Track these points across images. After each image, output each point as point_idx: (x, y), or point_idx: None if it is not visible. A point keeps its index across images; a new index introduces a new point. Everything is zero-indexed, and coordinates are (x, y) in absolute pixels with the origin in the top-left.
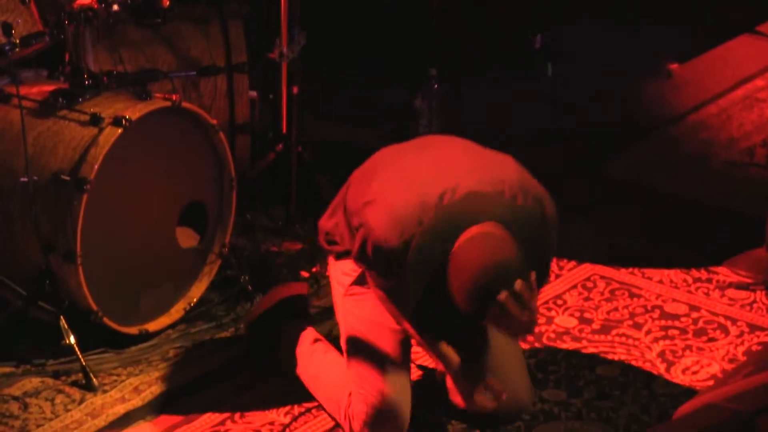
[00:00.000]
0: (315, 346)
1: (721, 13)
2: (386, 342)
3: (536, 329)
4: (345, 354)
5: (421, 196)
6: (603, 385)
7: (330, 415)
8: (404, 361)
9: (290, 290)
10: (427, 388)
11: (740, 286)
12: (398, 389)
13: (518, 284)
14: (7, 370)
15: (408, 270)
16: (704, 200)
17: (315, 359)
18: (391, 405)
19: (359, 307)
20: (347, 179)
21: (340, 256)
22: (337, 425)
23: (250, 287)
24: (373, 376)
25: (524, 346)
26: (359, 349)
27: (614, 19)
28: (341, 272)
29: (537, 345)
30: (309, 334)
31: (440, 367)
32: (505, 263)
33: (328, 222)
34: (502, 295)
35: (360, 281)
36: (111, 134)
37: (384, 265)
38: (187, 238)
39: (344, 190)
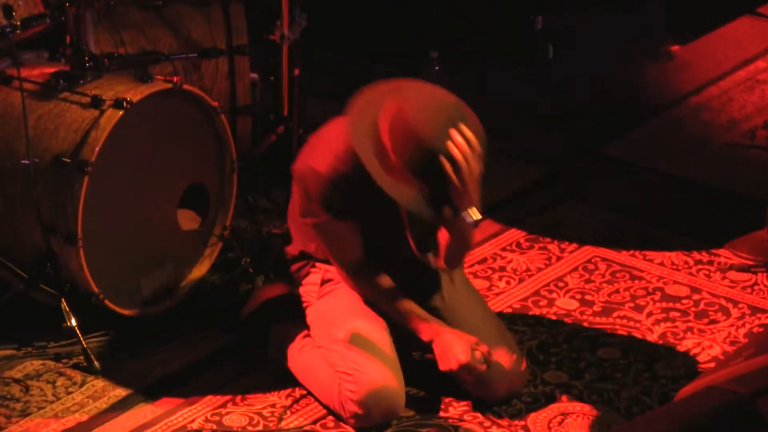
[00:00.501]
0: (305, 341)
1: None
2: (368, 322)
3: (538, 311)
4: (330, 346)
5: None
6: (604, 367)
7: (324, 406)
8: (391, 340)
9: (276, 290)
10: (428, 367)
11: (741, 268)
12: (387, 368)
13: (462, 127)
14: (9, 352)
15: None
16: (705, 182)
17: (305, 353)
18: (381, 384)
19: (335, 300)
20: None
21: (301, 270)
22: (331, 413)
23: (251, 269)
24: (361, 356)
25: (524, 330)
26: (343, 336)
27: (616, 0)
28: (310, 286)
29: (538, 327)
30: (298, 330)
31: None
32: (444, 99)
33: (288, 248)
34: (450, 142)
35: (332, 276)
36: (112, 116)
37: (330, 198)
38: (188, 220)
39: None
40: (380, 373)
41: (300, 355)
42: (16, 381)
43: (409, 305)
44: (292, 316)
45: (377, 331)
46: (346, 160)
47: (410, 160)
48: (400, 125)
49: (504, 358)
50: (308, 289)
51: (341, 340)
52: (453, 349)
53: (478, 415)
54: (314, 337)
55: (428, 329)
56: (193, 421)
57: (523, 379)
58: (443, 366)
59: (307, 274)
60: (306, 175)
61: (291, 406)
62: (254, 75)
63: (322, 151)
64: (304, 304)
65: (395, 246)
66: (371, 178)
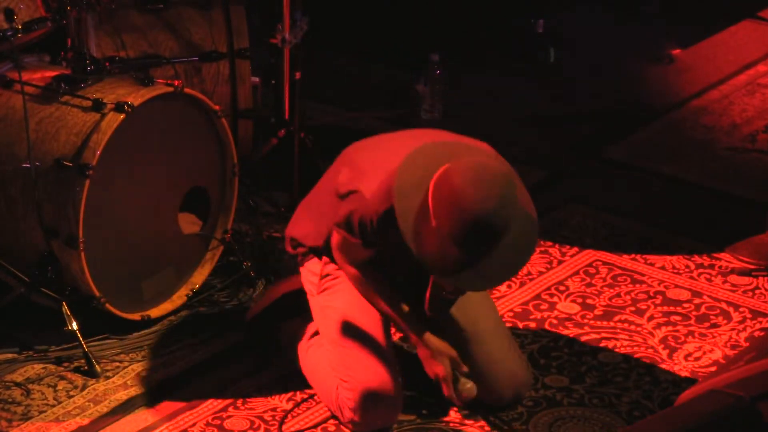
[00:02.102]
0: (312, 340)
1: None
2: (367, 324)
3: (539, 315)
4: (328, 347)
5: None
6: (605, 371)
7: (328, 408)
8: (388, 341)
9: (289, 285)
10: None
11: (742, 272)
12: (384, 371)
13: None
14: (10, 356)
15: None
16: (706, 185)
17: (311, 353)
18: (377, 389)
19: (334, 297)
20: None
21: (305, 256)
22: (333, 416)
23: (252, 273)
24: (356, 361)
25: (526, 329)
26: (340, 337)
27: (616, 4)
28: (310, 273)
29: (539, 331)
30: (307, 328)
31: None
32: (496, 171)
33: (292, 229)
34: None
35: (330, 270)
36: (113, 120)
37: (369, 230)
38: (189, 223)
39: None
40: (376, 379)
41: (307, 356)
42: (18, 384)
43: (403, 307)
44: (300, 312)
45: (375, 331)
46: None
47: (450, 227)
48: (446, 190)
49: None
50: (308, 276)
51: (338, 342)
52: (433, 360)
53: (480, 419)
54: (318, 329)
55: (415, 334)
56: (194, 424)
57: (528, 386)
58: (428, 371)
59: (309, 259)
60: (360, 200)
61: (292, 410)
62: (255, 78)
63: (380, 184)
64: (305, 290)
65: (412, 292)
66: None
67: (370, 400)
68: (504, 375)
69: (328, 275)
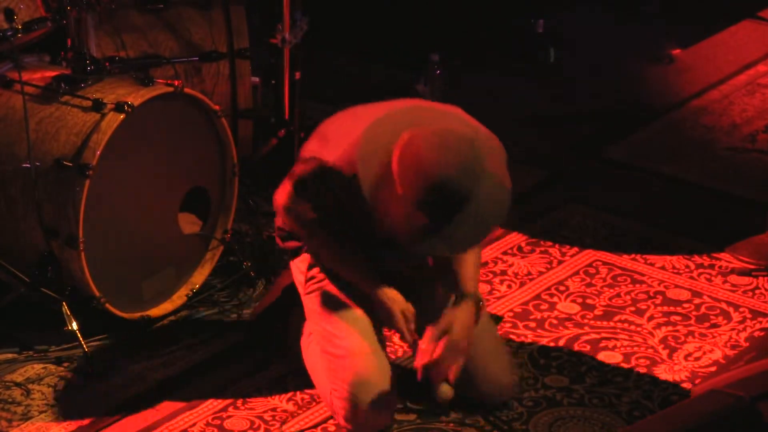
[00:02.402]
0: (311, 338)
1: None
2: (355, 330)
3: (539, 315)
4: (319, 354)
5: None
6: (605, 371)
7: (327, 407)
8: (378, 346)
9: (286, 279)
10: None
11: (742, 272)
12: (374, 378)
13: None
14: (10, 356)
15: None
16: (706, 185)
17: (310, 351)
18: (367, 397)
19: (319, 302)
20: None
21: (295, 253)
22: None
23: (252, 273)
24: (345, 370)
25: (527, 334)
26: (328, 345)
27: (616, 3)
28: (298, 272)
29: (539, 331)
30: (306, 324)
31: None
32: (461, 135)
33: (276, 219)
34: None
35: (312, 267)
36: (113, 120)
37: (324, 196)
38: (189, 223)
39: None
40: (365, 390)
41: (307, 353)
42: (18, 384)
43: (364, 264)
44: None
45: (364, 335)
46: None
47: (414, 193)
48: (410, 156)
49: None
50: (296, 274)
51: (326, 350)
52: (389, 310)
53: (479, 419)
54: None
55: (370, 287)
56: (194, 425)
57: (510, 390)
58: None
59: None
60: (321, 165)
61: (294, 413)
62: (255, 78)
63: (343, 152)
64: (296, 283)
65: (378, 258)
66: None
67: (359, 410)
68: (488, 377)
69: (312, 278)
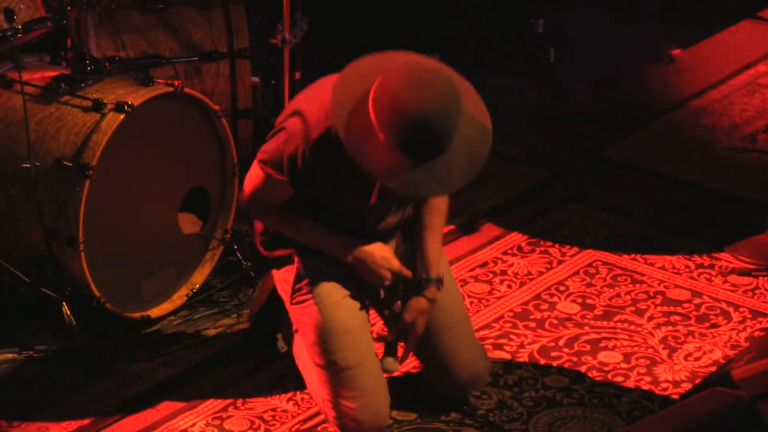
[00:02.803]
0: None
1: None
2: (346, 340)
3: (539, 315)
4: (311, 365)
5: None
6: (605, 371)
7: (318, 405)
8: (372, 353)
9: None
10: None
11: (742, 272)
12: (369, 391)
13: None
14: (10, 356)
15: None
16: (706, 186)
17: (302, 351)
18: (363, 413)
19: (306, 314)
20: None
21: (282, 263)
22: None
23: (252, 273)
24: (339, 385)
25: (528, 333)
26: (320, 358)
27: (616, 3)
28: (285, 282)
29: (539, 331)
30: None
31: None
32: (433, 70)
33: (256, 224)
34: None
35: (300, 280)
36: (113, 120)
37: (300, 162)
38: (189, 223)
39: None
40: (363, 405)
41: (298, 352)
42: (17, 384)
43: (323, 229)
44: None
45: (356, 341)
46: (325, 135)
47: (395, 134)
48: (384, 98)
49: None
50: (281, 283)
51: (320, 363)
52: (377, 262)
53: (479, 419)
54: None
55: (348, 252)
56: (194, 425)
57: (485, 375)
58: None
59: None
60: (289, 132)
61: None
62: (255, 78)
63: (313, 112)
64: (279, 292)
65: (356, 220)
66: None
67: (355, 424)
68: (463, 365)
69: (300, 290)
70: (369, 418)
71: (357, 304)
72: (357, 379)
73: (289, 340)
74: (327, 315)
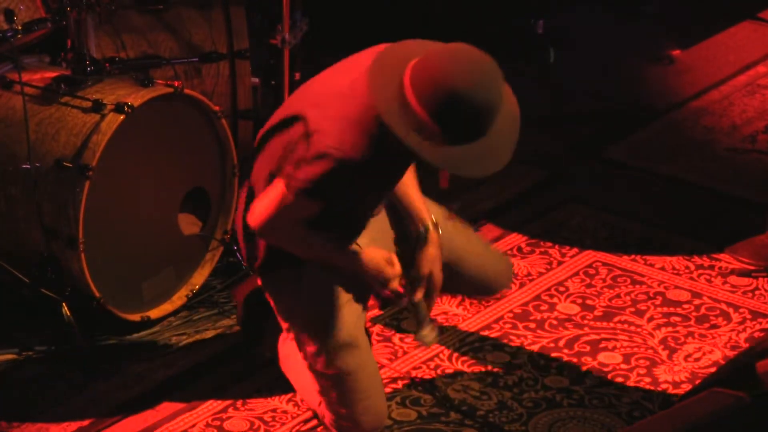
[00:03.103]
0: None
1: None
2: (345, 348)
3: (539, 316)
4: (306, 370)
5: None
6: (605, 372)
7: (309, 407)
8: (371, 357)
9: (247, 287)
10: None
11: (742, 273)
12: (371, 395)
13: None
14: (10, 356)
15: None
16: (706, 186)
17: (291, 352)
18: (366, 417)
19: (306, 323)
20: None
21: (280, 280)
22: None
23: (252, 274)
24: (341, 393)
25: (527, 333)
26: (319, 364)
27: (616, 4)
28: (282, 295)
29: (539, 332)
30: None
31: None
32: (467, 47)
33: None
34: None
35: (299, 292)
36: (113, 121)
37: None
38: (189, 224)
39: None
40: (365, 411)
41: (286, 354)
42: (17, 385)
43: (334, 242)
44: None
45: (354, 351)
46: (367, 139)
47: (434, 108)
48: (423, 72)
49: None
50: (282, 296)
51: (320, 372)
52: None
53: (479, 420)
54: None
55: (353, 261)
56: (194, 425)
57: (512, 273)
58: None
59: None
60: (324, 144)
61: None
62: (255, 79)
63: (341, 125)
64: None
65: (363, 215)
66: (381, 154)
67: (355, 426)
68: (494, 273)
69: (301, 301)
70: (370, 419)
71: (357, 309)
72: (359, 382)
73: (273, 348)
74: (329, 323)
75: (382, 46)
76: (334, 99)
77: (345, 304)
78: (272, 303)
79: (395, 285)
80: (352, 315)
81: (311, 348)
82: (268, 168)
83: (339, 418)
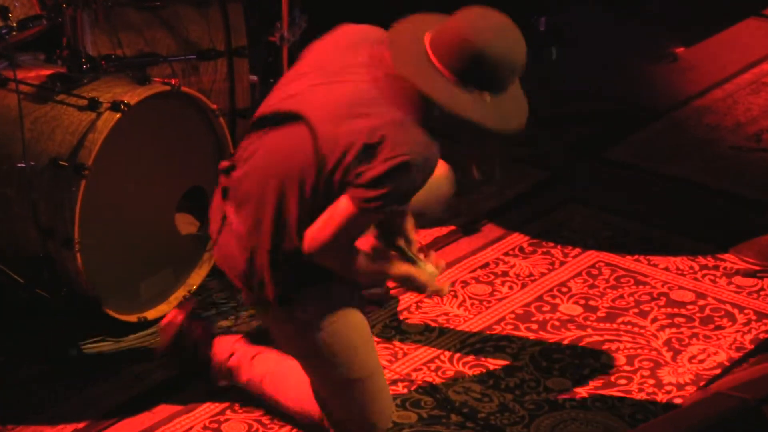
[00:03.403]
0: (250, 349)
1: None
2: (358, 355)
3: (541, 316)
4: (315, 380)
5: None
6: (608, 373)
7: (298, 418)
8: (377, 360)
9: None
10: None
11: (747, 274)
12: (382, 392)
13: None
14: (7, 357)
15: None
16: (710, 186)
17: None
18: (376, 416)
19: (317, 338)
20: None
21: (304, 299)
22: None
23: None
24: (350, 395)
25: (529, 334)
26: (332, 373)
27: (618, 2)
28: (290, 319)
29: (541, 333)
30: (234, 342)
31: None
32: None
33: (242, 258)
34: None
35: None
36: (109, 119)
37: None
38: (186, 224)
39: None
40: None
41: (258, 368)
42: (14, 386)
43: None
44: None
45: (368, 357)
46: (425, 130)
47: (461, 66)
48: (447, 35)
49: None
50: (284, 320)
51: (333, 380)
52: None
53: (480, 422)
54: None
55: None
56: (191, 428)
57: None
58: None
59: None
60: (399, 163)
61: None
62: (253, 77)
63: (395, 130)
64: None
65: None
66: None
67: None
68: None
69: (314, 315)
70: (381, 421)
71: (362, 315)
72: (374, 386)
73: (226, 374)
74: (341, 334)
75: (336, 37)
76: (369, 107)
77: (354, 312)
78: (281, 327)
79: (432, 285)
80: (359, 320)
81: (316, 361)
82: (275, 181)
83: (344, 423)
